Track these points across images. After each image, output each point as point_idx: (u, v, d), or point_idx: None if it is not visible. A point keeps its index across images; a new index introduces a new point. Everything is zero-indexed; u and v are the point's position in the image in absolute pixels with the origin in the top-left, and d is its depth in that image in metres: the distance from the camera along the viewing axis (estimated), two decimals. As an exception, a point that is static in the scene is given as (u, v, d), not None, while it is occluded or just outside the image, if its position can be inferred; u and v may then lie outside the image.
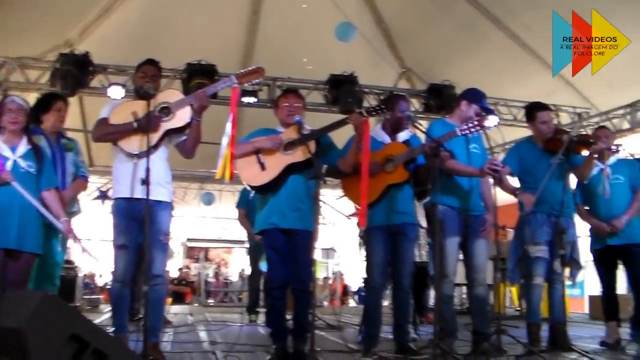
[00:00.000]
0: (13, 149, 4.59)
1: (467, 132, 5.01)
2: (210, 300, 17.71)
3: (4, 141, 4.59)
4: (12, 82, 9.73)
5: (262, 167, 4.83)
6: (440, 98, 10.76)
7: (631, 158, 6.25)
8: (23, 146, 4.64)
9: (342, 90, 10.23)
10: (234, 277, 21.04)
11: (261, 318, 8.75)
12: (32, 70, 9.90)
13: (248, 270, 18.49)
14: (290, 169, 4.81)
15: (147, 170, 4.18)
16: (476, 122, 5.02)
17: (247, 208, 8.42)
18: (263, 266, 7.98)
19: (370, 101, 10.39)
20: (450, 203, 5.18)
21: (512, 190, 5.74)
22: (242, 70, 4.85)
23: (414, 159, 5.21)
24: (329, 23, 10.78)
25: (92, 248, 6.87)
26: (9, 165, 4.47)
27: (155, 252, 4.51)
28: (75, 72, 9.04)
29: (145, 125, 4.39)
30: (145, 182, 4.18)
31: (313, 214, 4.76)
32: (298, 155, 4.80)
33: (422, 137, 5.25)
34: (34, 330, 2.84)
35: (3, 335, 2.91)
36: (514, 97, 11.41)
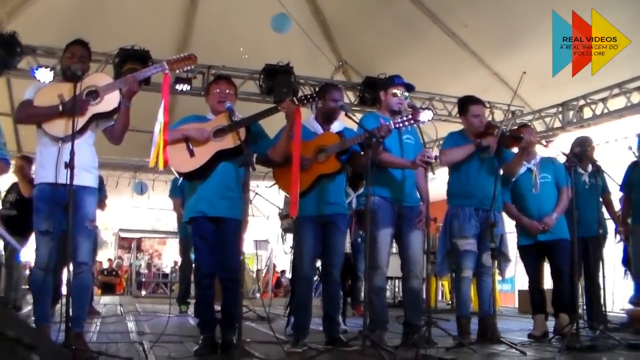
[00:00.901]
0: None
1: (401, 125, 5.02)
2: (143, 292, 17.44)
3: None
4: None
5: (191, 153, 4.76)
6: (375, 91, 10.67)
7: (554, 157, 6.43)
8: None
9: (277, 80, 10.13)
10: (167, 269, 20.76)
11: (192, 309, 8.63)
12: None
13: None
14: (219, 156, 4.75)
15: (72, 154, 4.06)
16: (410, 116, 5.03)
17: (182, 197, 8.28)
18: (193, 256, 7.87)
19: (305, 92, 10.31)
20: (383, 194, 5.21)
21: (471, 145, 5.73)
22: (174, 57, 4.74)
23: (347, 150, 5.19)
24: (267, 13, 10.67)
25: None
26: None
27: (80, 239, 4.40)
28: (2, 53, 8.72)
29: (71, 108, 4.26)
30: (69, 166, 4.06)
31: (242, 202, 4.70)
32: (228, 142, 4.73)
33: (356, 129, 5.24)
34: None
35: None
36: (450, 93, 11.48)
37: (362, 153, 5.17)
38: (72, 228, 4.17)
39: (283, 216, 7.47)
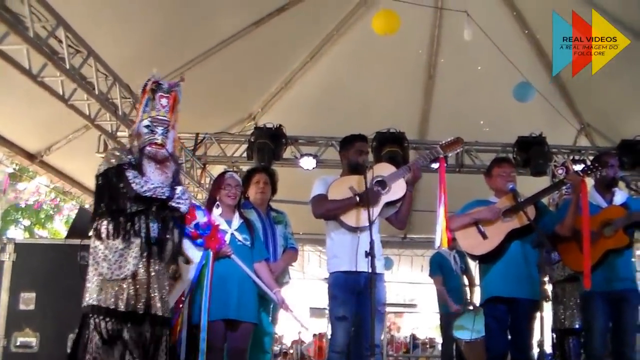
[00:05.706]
0: (229, 223, 4.83)
1: None
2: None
3: (221, 215, 4.82)
4: (210, 157, 10.26)
5: (483, 236, 4.86)
6: (633, 154, 10.25)
7: None
8: (237, 220, 4.89)
9: (532, 152, 10.00)
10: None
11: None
12: (226, 144, 10.35)
13: (419, 334, 18.40)
14: (511, 236, 4.81)
15: (371, 242, 4.32)
16: None
17: (443, 274, 8.45)
18: (456, 333, 7.91)
19: (557, 160, 10.12)
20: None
21: None
22: (445, 141, 4.98)
23: (636, 223, 5.01)
24: (504, 83, 10.62)
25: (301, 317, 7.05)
26: (227, 238, 4.67)
27: (375, 323, 4.55)
28: (270, 145, 9.36)
29: (367, 199, 4.53)
30: (370, 254, 4.27)
31: (536, 282, 4.69)
32: (517, 221, 4.79)
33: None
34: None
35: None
36: None
37: None
38: (368, 313, 4.40)
39: None
